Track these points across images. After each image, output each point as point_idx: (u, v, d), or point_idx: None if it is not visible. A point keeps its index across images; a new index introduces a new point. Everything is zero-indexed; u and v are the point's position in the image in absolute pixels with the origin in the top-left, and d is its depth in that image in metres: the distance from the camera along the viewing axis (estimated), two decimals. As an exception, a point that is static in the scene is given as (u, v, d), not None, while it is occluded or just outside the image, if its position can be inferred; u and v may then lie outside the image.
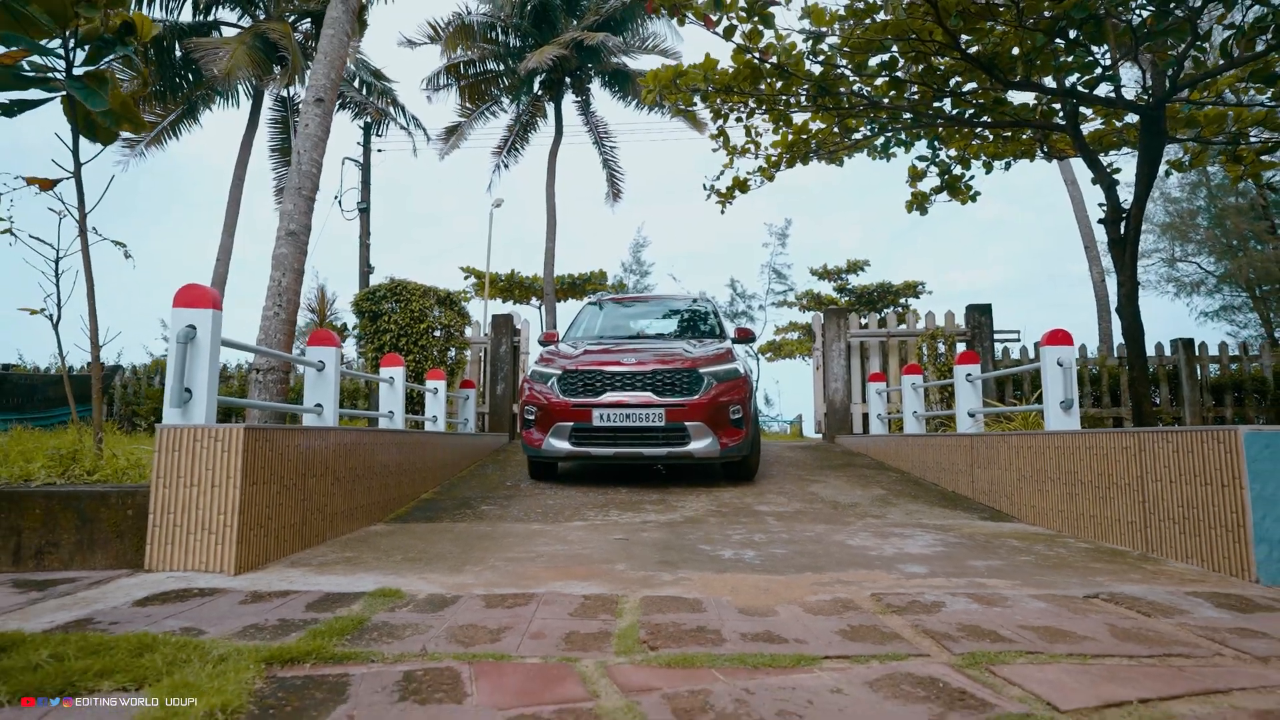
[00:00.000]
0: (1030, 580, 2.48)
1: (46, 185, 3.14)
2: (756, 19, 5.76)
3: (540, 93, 17.45)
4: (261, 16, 15.23)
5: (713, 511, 4.10)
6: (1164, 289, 23.87)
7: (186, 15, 14.36)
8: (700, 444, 4.72)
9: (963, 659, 1.62)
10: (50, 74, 3.05)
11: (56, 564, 2.41)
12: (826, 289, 23.32)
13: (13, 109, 2.99)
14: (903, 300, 21.95)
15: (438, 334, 7.63)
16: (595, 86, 17.51)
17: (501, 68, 17.05)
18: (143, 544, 2.45)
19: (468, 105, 17.26)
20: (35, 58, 2.99)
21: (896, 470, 5.85)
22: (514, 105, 17.67)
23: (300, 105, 6.39)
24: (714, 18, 5.83)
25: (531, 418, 5.01)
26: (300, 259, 6.35)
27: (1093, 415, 9.77)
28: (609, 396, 4.79)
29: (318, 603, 2.09)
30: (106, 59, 3.18)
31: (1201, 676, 1.51)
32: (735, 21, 5.83)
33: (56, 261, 3.30)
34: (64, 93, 3.07)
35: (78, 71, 3.11)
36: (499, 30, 16.64)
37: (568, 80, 17.17)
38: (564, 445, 4.82)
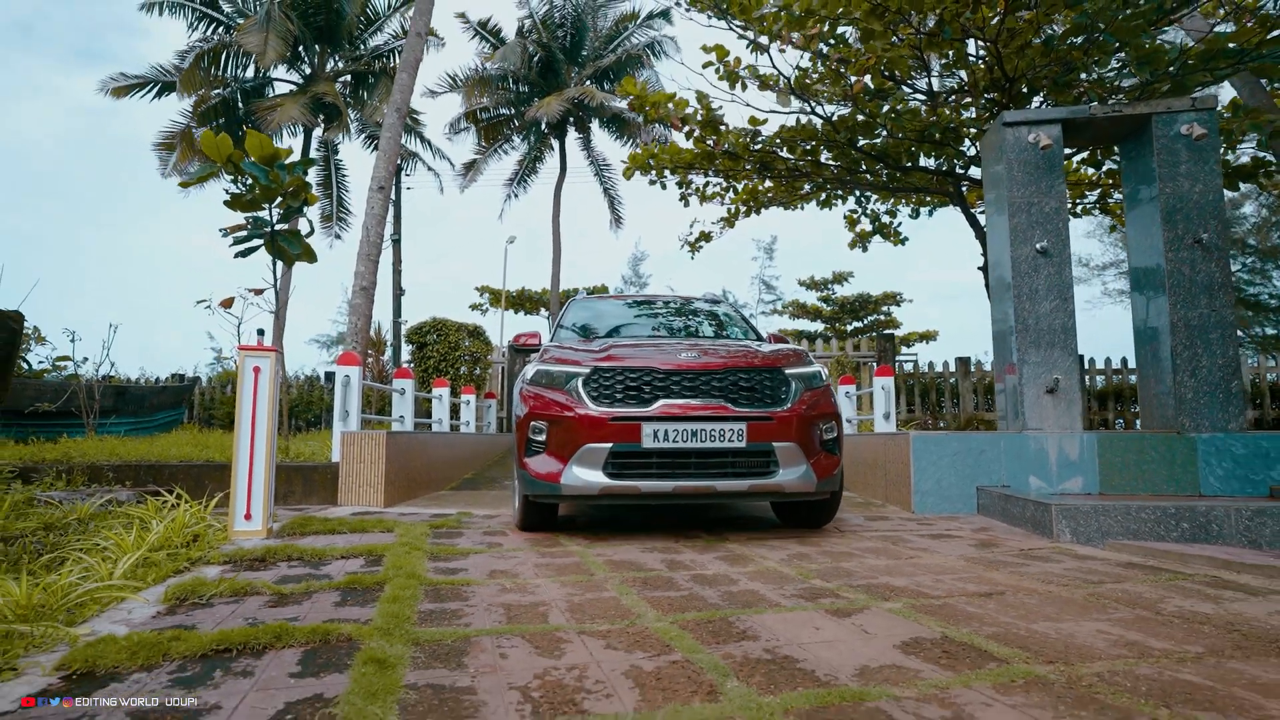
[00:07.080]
0: (797, 512, 4.71)
1: (259, 291, 5.43)
2: (709, 126, 8.12)
3: (547, 131, 19.79)
4: (307, 71, 17.67)
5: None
6: (1123, 300, 25.92)
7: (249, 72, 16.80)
8: (792, 474, 3.54)
9: (714, 537, 3.87)
10: (262, 229, 5.35)
11: (293, 501, 4.71)
12: (813, 299, 25.38)
13: (244, 253, 5.29)
14: (883, 308, 24.15)
15: (467, 358, 9.95)
16: (595, 126, 19.81)
17: (513, 112, 19.40)
18: (335, 492, 4.75)
19: (483, 145, 19.62)
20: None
21: (800, 460, 8.07)
22: (524, 143, 20.05)
23: (367, 193, 8.75)
24: (680, 125, 8.20)
25: (540, 438, 3.54)
26: (369, 307, 8.68)
27: (988, 418, 11.94)
28: (664, 405, 3.48)
29: (433, 516, 4.37)
30: (292, 215, 5.47)
31: (806, 538, 3.75)
32: (694, 126, 8.19)
33: (239, 327, 5.60)
34: (267, 239, 5.37)
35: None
36: (510, 80, 18.98)
37: (571, 121, 19.47)
38: (596, 478, 3.42)
